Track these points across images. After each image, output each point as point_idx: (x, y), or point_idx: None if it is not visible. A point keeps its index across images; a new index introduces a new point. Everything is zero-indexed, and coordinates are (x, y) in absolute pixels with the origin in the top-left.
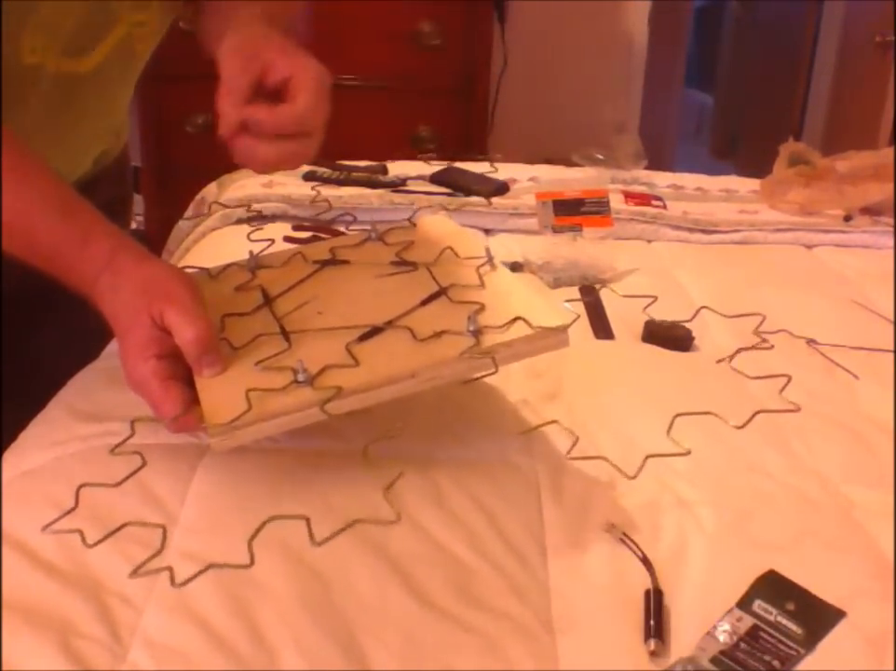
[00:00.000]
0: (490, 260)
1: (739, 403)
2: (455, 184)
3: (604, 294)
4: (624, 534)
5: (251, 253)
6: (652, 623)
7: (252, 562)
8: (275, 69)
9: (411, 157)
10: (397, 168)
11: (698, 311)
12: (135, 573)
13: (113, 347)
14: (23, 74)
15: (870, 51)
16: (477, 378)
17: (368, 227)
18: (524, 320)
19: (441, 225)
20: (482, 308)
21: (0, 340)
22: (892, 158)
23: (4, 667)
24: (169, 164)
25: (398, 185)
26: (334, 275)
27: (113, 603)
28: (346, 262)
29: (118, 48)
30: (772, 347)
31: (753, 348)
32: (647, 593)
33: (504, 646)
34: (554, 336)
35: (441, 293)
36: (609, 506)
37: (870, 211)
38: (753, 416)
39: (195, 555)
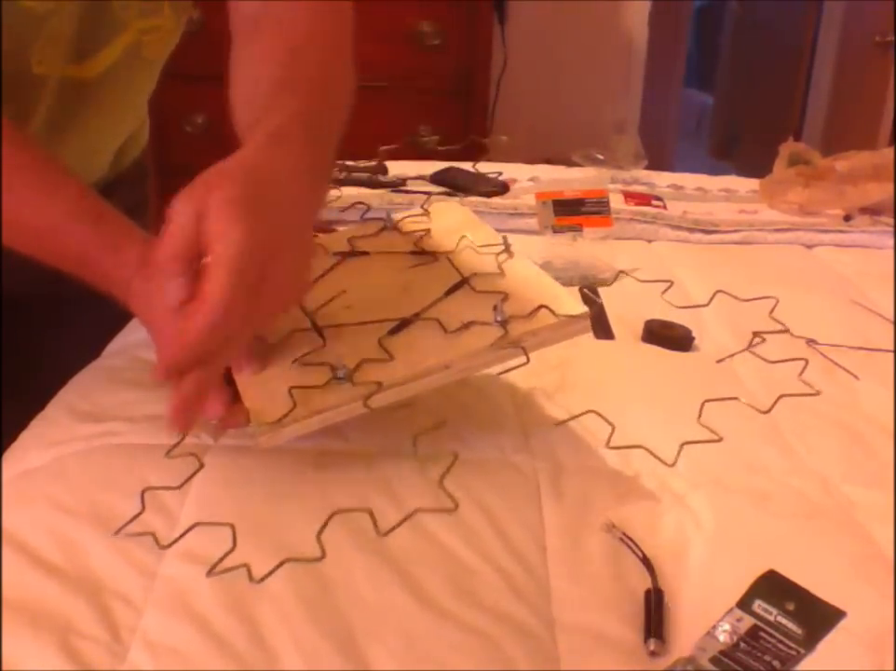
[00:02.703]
0: (507, 248)
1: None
2: (455, 184)
3: (613, 288)
4: (624, 534)
5: None
6: (652, 623)
7: (324, 554)
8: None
9: (410, 156)
10: (397, 168)
11: (713, 296)
12: (211, 572)
13: (113, 346)
14: (31, 84)
15: (870, 51)
16: (509, 370)
17: (382, 216)
18: (548, 308)
19: (454, 212)
20: (506, 297)
21: (0, 340)
22: (892, 158)
23: (4, 667)
24: (168, 164)
25: (398, 185)
26: (357, 267)
27: (113, 603)
28: (365, 253)
29: (127, 54)
30: (787, 330)
31: (767, 333)
32: (647, 593)
33: (504, 646)
34: (577, 324)
35: (464, 282)
36: (609, 506)
37: (870, 211)
38: (778, 399)
39: (196, 556)
